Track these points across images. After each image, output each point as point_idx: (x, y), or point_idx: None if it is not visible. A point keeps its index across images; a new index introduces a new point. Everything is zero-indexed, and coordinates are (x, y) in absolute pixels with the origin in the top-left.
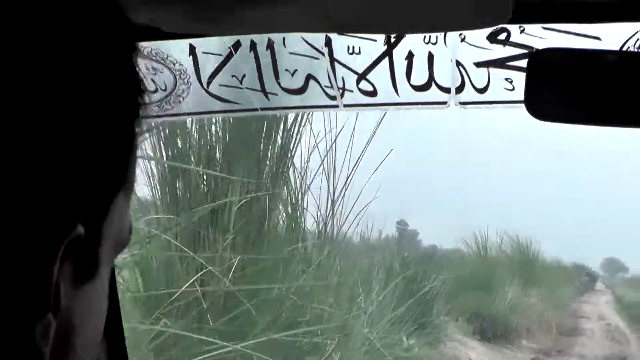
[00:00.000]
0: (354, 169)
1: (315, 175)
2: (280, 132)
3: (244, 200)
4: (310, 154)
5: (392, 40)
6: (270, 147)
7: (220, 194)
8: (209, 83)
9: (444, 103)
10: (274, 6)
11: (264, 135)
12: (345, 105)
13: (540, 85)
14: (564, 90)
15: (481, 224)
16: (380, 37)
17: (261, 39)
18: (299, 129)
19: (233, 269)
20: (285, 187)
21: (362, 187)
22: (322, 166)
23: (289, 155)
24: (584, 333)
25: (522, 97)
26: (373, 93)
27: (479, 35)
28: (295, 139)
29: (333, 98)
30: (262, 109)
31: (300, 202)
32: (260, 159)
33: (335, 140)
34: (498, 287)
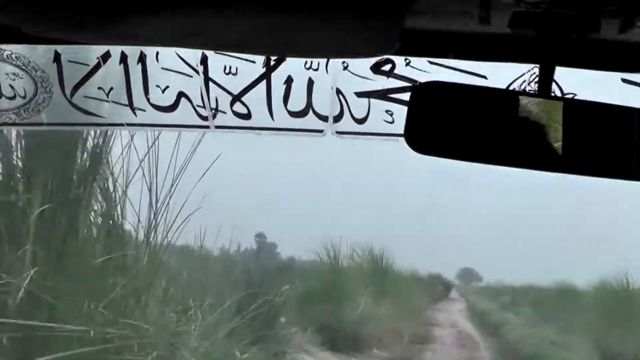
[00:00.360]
0: (179, 176)
1: (131, 181)
2: (93, 139)
3: (46, 210)
4: (130, 162)
5: (272, 62)
6: (82, 153)
7: (17, 204)
8: (72, 94)
9: (321, 131)
10: (149, 18)
11: (75, 141)
12: (217, 127)
13: (422, 119)
14: (445, 125)
15: (339, 235)
16: (260, 59)
17: (133, 52)
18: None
19: (28, 280)
20: (99, 197)
21: (187, 196)
22: (143, 174)
23: (103, 162)
24: (435, 340)
25: (401, 130)
26: (247, 116)
27: (362, 65)
28: (109, 145)
29: (205, 118)
30: (127, 125)
31: (117, 211)
32: (70, 166)
33: (153, 145)
34: (350, 297)
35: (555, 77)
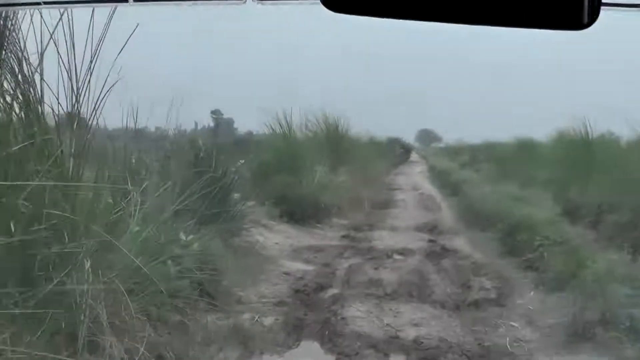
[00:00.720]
0: (97, 52)
1: (43, 59)
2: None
3: None
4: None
5: None
6: None
7: None
8: None
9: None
10: None
11: None
12: (135, 0)
13: None
14: None
15: (295, 106)
16: None
17: None
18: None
19: None
20: (9, 78)
21: (108, 70)
22: (58, 53)
23: (11, 40)
24: (396, 205)
25: None
26: None
27: None
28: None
29: None
30: (44, 4)
31: (32, 93)
32: None
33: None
34: (306, 167)
35: None
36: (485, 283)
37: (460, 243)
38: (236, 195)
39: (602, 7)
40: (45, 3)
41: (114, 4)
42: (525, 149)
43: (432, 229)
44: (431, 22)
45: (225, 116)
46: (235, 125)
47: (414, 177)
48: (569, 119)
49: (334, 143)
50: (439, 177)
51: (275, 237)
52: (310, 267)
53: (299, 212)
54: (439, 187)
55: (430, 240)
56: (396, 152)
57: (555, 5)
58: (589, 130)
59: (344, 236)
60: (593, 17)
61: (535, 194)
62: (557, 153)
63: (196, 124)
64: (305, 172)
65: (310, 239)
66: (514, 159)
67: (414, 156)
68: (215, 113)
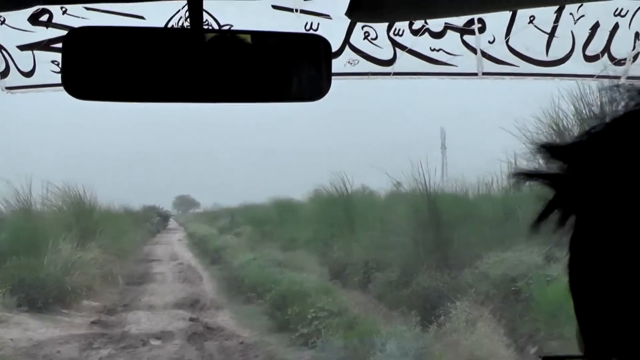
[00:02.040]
0: None
1: None
2: None
3: None
4: None
5: None
6: None
7: None
8: None
9: None
10: None
11: None
12: None
13: (77, 65)
14: (101, 69)
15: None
16: None
17: None
18: None
19: None
20: None
21: None
22: None
23: None
24: (154, 279)
25: None
26: None
27: (19, 17)
28: None
29: None
30: None
31: None
32: None
33: None
34: (48, 245)
35: (211, 10)
36: None
37: (224, 319)
38: None
39: (332, 78)
40: None
41: None
42: (283, 209)
43: (193, 304)
44: (171, 103)
45: None
46: None
47: (173, 246)
48: (327, 175)
49: (82, 216)
50: (199, 244)
51: (10, 332)
52: None
53: (41, 298)
54: (198, 255)
55: (192, 319)
56: (153, 220)
57: (295, 82)
58: (345, 186)
59: (94, 322)
60: (327, 87)
61: (299, 257)
62: (315, 211)
63: None
64: (48, 251)
65: (54, 330)
66: (272, 221)
67: (172, 223)
68: None
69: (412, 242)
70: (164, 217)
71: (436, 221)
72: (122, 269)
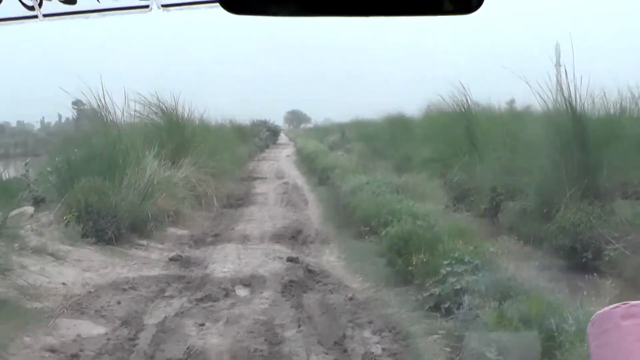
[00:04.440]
0: None
1: None
2: None
3: None
4: None
5: None
6: None
7: None
8: None
9: (147, 7)
10: None
11: None
12: (45, 15)
13: None
14: None
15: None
16: None
17: None
18: None
19: None
20: None
21: None
22: None
23: None
24: (255, 201)
25: None
26: (72, 1)
27: None
28: None
29: (31, 8)
30: None
31: None
32: None
33: None
34: (130, 163)
35: None
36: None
37: (330, 260)
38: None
39: None
40: None
41: (23, 21)
42: (396, 124)
43: (294, 235)
44: (325, 17)
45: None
46: None
47: (280, 162)
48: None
49: (175, 130)
50: (307, 161)
51: (65, 272)
52: (99, 330)
53: (113, 226)
54: (306, 173)
55: (290, 259)
56: (262, 135)
57: None
58: (466, 98)
59: (173, 259)
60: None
61: (417, 180)
62: (432, 127)
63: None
64: (129, 170)
65: (121, 269)
66: (385, 137)
67: (282, 138)
68: (77, 104)
69: (549, 165)
70: (274, 132)
71: (577, 140)
72: (219, 189)
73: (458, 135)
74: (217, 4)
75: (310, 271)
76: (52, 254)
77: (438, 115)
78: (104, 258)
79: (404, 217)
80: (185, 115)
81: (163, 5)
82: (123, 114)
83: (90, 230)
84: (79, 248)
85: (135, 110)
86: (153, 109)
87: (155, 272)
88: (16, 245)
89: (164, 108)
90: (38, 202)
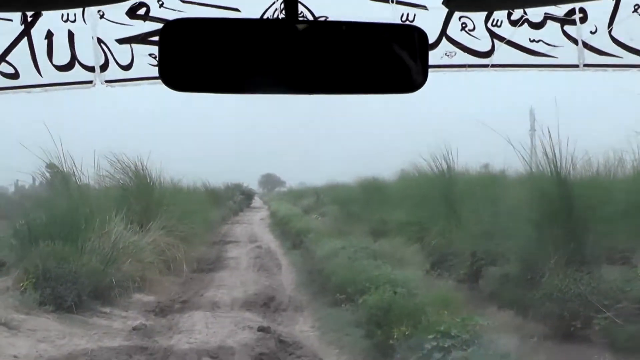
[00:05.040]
0: None
1: None
2: None
3: None
4: None
5: (30, 19)
6: None
7: None
8: None
9: (90, 82)
10: None
11: None
12: None
13: (173, 57)
14: (197, 60)
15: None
16: (17, 16)
17: None
18: None
19: None
20: None
21: None
22: None
23: None
24: (226, 265)
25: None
26: (15, 75)
27: (118, 11)
28: None
29: None
30: None
31: None
32: None
33: None
34: (93, 227)
35: (306, 1)
36: None
37: (304, 329)
38: None
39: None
40: None
41: None
42: (371, 188)
43: (266, 302)
44: (267, 95)
45: None
46: None
47: (253, 226)
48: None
49: (142, 192)
50: (280, 225)
51: (17, 343)
52: None
53: (73, 293)
54: (279, 236)
55: (262, 329)
56: (236, 198)
57: (390, 74)
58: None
59: (136, 328)
60: (423, 79)
61: (393, 244)
62: (407, 190)
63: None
64: (92, 234)
65: (80, 339)
66: (359, 200)
67: (257, 202)
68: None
69: (532, 229)
70: (248, 195)
71: (561, 204)
72: (189, 254)
73: (435, 198)
74: (159, 81)
75: (282, 342)
76: (4, 324)
77: (414, 177)
78: (61, 327)
79: (382, 284)
80: (155, 177)
81: (107, 81)
82: (90, 175)
83: (48, 298)
84: (35, 317)
85: (105, 171)
86: (121, 169)
87: (117, 342)
88: None
89: (132, 168)
90: None
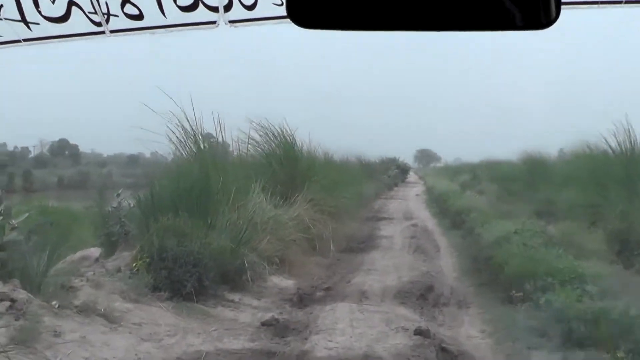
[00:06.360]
0: None
1: None
2: None
3: None
4: None
5: None
6: None
7: None
8: None
9: (214, 23)
10: None
11: None
12: (111, 32)
13: None
14: None
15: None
16: None
17: None
18: None
19: None
20: None
21: None
22: None
23: None
24: (378, 245)
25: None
26: (139, 17)
27: None
28: None
29: (98, 24)
30: (24, 40)
31: None
32: None
33: None
34: (229, 200)
35: None
36: None
37: (473, 334)
38: None
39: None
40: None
41: (90, 36)
42: (534, 165)
43: (423, 294)
44: (396, 31)
45: None
46: None
47: (409, 202)
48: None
49: (287, 162)
50: (438, 201)
51: (114, 343)
52: None
53: (193, 277)
54: (437, 214)
55: (419, 332)
56: (390, 172)
57: (518, 8)
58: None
59: (266, 323)
60: (556, 15)
61: (569, 229)
62: (576, 169)
63: None
64: (225, 207)
65: (194, 337)
66: (520, 179)
67: (411, 176)
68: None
69: None
70: (403, 170)
71: None
72: (338, 231)
73: (613, 177)
74: (288, 20)
75: (444, 350)
76: (103, 315)
77: (585, 154)
78: (175, 320)
79: (569, 279)
80: (302, 146)
81: (230, 21)
82: (227, 139)
83: (164, 282)
84: (145, 305)
85: (244, 134)
86: (264, 134)
87: (239, 343)
88: (55, 303)
89: (277, 135)
90: (115, 242)
